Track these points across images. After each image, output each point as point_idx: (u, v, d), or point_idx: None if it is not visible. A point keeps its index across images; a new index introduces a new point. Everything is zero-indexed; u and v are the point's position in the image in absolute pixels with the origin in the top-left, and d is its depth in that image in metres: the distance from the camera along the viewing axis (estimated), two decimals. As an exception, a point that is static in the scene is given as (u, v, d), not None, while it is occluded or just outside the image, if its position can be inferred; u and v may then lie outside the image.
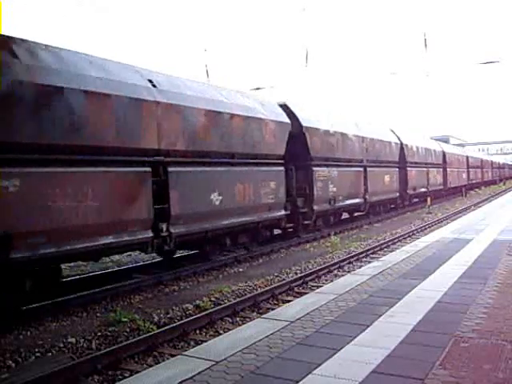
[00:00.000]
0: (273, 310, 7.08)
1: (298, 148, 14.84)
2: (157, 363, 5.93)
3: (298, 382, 3.67)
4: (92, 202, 8.09)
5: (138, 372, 5.05)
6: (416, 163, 26.70)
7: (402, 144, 24.68)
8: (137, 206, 8.95)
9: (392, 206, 24.52)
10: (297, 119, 14.90)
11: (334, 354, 4.20)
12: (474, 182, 44.99)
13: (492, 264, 7.86)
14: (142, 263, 12.39)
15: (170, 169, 9.75)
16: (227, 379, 3.77)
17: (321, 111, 18.06)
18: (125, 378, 5.52)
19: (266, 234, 13.71)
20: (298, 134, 14.70)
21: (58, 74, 7.79)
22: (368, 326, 4.92)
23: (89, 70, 8.52)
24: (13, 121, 7.05)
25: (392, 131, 25.00)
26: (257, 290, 9.56)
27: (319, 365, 3.97)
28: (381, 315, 5.29)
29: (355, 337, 4.62)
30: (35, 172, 7.36)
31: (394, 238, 15.87)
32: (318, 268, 11.30)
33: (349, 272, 10.11)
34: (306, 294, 7.73)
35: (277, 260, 12.92)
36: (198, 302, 8.59)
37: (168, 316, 7.95)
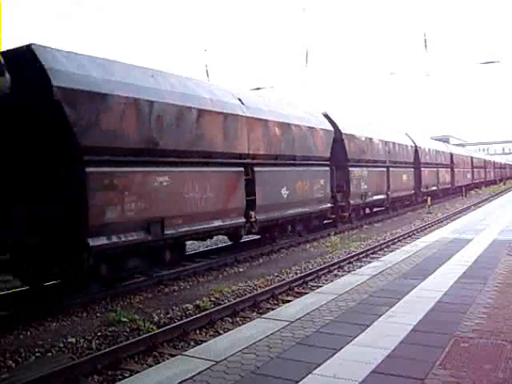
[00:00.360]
0: (273, 310, 7.08)
1: (338, 151, 17.45)
2: (157, 363, 5.93)
3: (297, 382, 3.67)
4: (210, 194, 10.76)
5: (138, 372, 5.05)
6: (428, 164, 29.32)
7: (416, 147, 27.32)
8: (235, 197, 11.73)
9: (408, 202, 27.04)
10: (337, 127, 17.68)
11: (334, 354, 4.20)
12: (477, 181, 47.75)
13: (492, 264, 7.86)
14: (215, 247, 14.92)
15: (256, 169, 12.54)
16: (227, 379, 3.77)
17: (352, 119, 21.23)
18: (125, 377, 5.51)
19: (315, 223, 16.55)
20: (338, 140, 17.45)
21: (188, 97, 10.46)
22: (368, 326, 4.92)
23: (202, 92, 11.10)
24: (164, 134, 9.58)
25: (407, 135, 27.85)
26: (257, 290, 9.56)
27: (319, 365, 3.97)
28: (381, 315, 5.29)
29: (355, 337, 4.62)
30: (177, 171, 9.89)
31: (394, 238, 15.87)
32: (317, 268, 11.30)
33: (349, 272, 10.12)
34: (306, 294, 7.72)
35: (277, 260, 12.93)
36: (197, 301, 8.59)
37: (168, 316, 7.95)
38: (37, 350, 6.54)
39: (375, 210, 23.27)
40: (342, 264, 11.91)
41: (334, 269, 11.50)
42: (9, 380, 5.58)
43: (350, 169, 18.37)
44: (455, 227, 13.77)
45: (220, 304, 8.53)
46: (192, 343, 6.82)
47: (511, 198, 27.84)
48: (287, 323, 5.14)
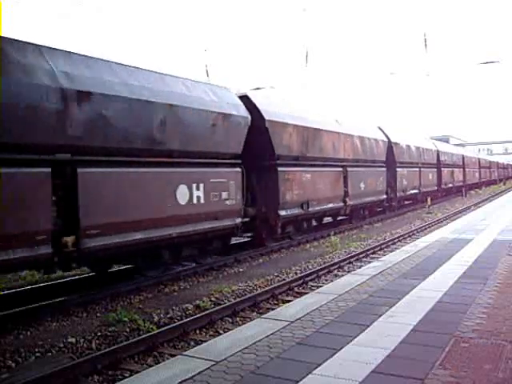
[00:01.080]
0: (273, 310, 7.07)
1: (389, 156, 23.11)
2: (157, 363, 5.93)
3: (297, 382, 3.67)
4: (327, 186, 16.45)
5: (138, 372, 5.05)
6: (446, 165, 35.08)
7: (438, 151, 32.98)
8: (338, 188, 17.50)
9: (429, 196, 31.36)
10: (388, 137, 23.32)
11: (334, 353, 4.20)
12: (483, 180, 53.40)
13: (492, 264, 7.86)
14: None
15: (349, 169, 18.31)
16: (227, 379, 3.77)
17: (396, 129, 27.16)
18: (125, 377, 5.51)
19: (376, 210, 22.97)
20: (388, 147, 23.06)
21: (323, 123, 16.88)
22: (368, 326, 4.92)
23: (331, 119, 17.87)
24: (308, 147, 15.59)
25: (432, 141, 34.32)
26: (257, 289, 9.56)
27: (319, 365, 3.97)
28: (381, 315, 5.29)
29: (355, 337, 4.62)
30: (314, 170, 15.59)
31: (394, 238, 15.87)
32: (317, 268, 11.30)
33: (349, 272, 10.12)
34: (306, 294, 7.72)
35: (277, 260, 12.92)
36: (197, 301, 8.59)
37: (168, 316, 7.95)
38: (37, 350, 6.54)
39: (407, 202, 28.60)
40: (341, 264, 11.91)
41: (334, 269, 11.50)
42: (9, 380, 5.58)
43: (398, 169, 24.09)
44: (455, 227, 13.77)
45: (220, 304, 8.53)
46: (192, 343, 6.82)
47: (511, 198, 27.83)
48: (287, 323, 5.14)
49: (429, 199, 26.88)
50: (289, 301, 7.98)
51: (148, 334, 6.79)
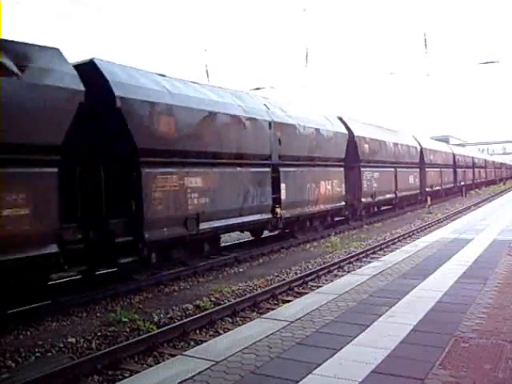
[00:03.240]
0: (273, 309, 7.07)
1: (420, 159, 28.11)
2: (157, 363, 5.93)
3: (297, 382, 3.67)
4: (385, 182, 22.12)
5: (138, 372, 5.06)
6: (461, 166, 39.77)
7: (454, 154, 37.62)
8: (391, 184, 22.93)
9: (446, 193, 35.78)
10: (420, 144, 28.60)
11: (334, 353, 4.20)
12: (489, 179, 57.32)
13: (492, 264, 7.86)
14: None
15: (398, 170, 23.84)
16: (227, 379, 3.77)
17: (424, 137, 33.02)
18: (125, 377, 5.51)
19: (412, 202, 27.48)
20: (420, 152, 28.08)
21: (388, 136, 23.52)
22: (368, 326, 4.92)
23: (377, 129, 22.92)
24: (376, 154, 21.70)
25: (448, 146, 40.16)
26: (257, 290, 9.56)
27: (319, 365, 3.97)
28: (381, 315, 5.29)
29: (355, 337, 4.62)
30: (380, 170, 21.41)
31: (394, 238, 15.87)
32: (318, 268, 11.30)
33: (349, 272, 10.12)
34: (306, 294, 7.72)
35: (277, 260, 12.92)
36: (197, 302, 8.59)
37: (168, 316, 7.95)
38: (37, 350, 6.54)
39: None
40: (341, 264, 11.91)
41: (334, 269, 11.50)
42: (9, 380, 5.58)
43: (427, 169, 29.12)
44: (455, 227, 13.77)
45: (220, 304, 8.53)
46: (192, 343, 6.82)
47: (511, 198, 27.83)
48: (287, 323, 5.14)
49: (429, 199, 26.83)
50: (289, 301, 7.98)
51: (148, 334, 6.79)
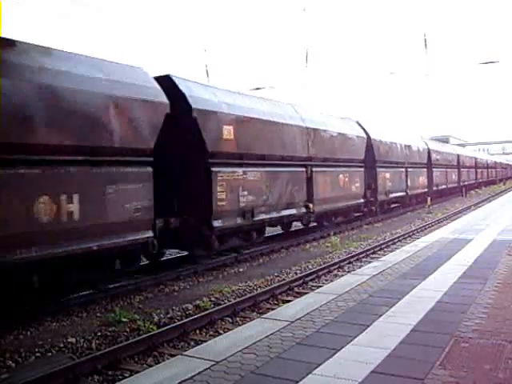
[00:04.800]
0: (273, 309, 7.07)
1: (428, 160, 29.44)
2: (157, 363, 5.93)
3: (297, 382, 3.67)
4: (398, 181, 23.57)
5: (137, 372, 5.06)
6: (464, 166, 41.29)
7: (458, 155, 38.80)
8: (402, 183, 24.42)
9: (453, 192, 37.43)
10: (428, 146, 30.08)
11: (334, 354, 4.20)
12: (491, 178, 60.01)
13: (492, 264, 7.86)
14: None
15: (409, 169, 25.03)
16: (227, 379, 3.77)
17: (431, 141, 33.85)
18: (125, 377, 5.51)
19: (419, 200, 27.82)
20: (428, 153, 29.43)
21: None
22: (368, 326, 4.92)
23: (388, 133, 24.34)
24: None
25: (452, 147, 41.32)
26: (257, 290, 9.56)
27: (319, 365, 3.97)
28: (381, 315, 5.29)
29: (355, 337, 4.62)
30: (391, 171, 23.00)
31: (394, 238, 15.87)
32: (317, 268, 11.30)
33: (349, 272, 10.11)
34: (306, 293, 7.73)
35: (277, 260, 12.92)
36: (197, 301, 8.59)
37: (168, 316, 7.94)
38: (37, 350, 6.54)
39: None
40: (342, 264, 11.91)
41: (334, 269, 11.50)
42: (9, 380, 5.58)
43: (434, 169, 30.18)
44: (455, 227, 13.77)
45: (220, 304, 8.53)
46: (192, 343, 6.82)
47: (511, 198, 27.84)
48: (287, 323, 5.14)
49: (429, 199, 26.85)
50: (289, 301, 7.98)
51: (148, 334, 6.79)
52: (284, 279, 10.38)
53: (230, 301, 8.71)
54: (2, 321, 7.24)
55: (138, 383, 4.01)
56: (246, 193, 12.00)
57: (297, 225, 16.83)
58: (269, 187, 12.99)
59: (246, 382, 3.72)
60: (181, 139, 10.49)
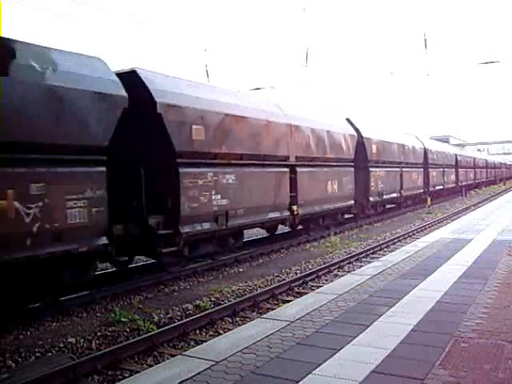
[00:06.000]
0: (273, 310, 7.07)
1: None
2: (157, 363, 5.93)
3: (297, 382, 3.67)
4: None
5: (137, 372, 5.05)
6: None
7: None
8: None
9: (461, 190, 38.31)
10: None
11: (334, 354, 4.20)
12: (490, 179, 60.92)
13: (492, 264, 7.86)
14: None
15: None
16: (227, 379, 3.76)
17: (428, 140, 33.25)
18: (125, 377, 5.52)
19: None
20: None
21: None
22: (368, 326, 4.92)
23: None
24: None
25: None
26: (257, 290, 9.56)
27: (319, 365, 3.96)
28: (381, 315, 5.29)
29: (355, 337, 4.62)
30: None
31: (394, 238, 15.87)
32: (317, 268, 11.30)
33: (349, 272, 10.11)
34: (305, 293, 7.73)
35: (277, 260, 12.92)
36: (197, 301, 8.59)
37: (168, 316, 7.95)
38: (37, 350, 6.54)
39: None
40: (341, 264, 11.91)
41: (334, 269, 11.50)
42: (9, 380, 5.58)
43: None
44: (455, 227, 13.77)
45: (220, 304, 8.53)
46: (192, 343, 6.82)
47: (511, 198, 27.83)
48: (287, 323, 5.14)
49: (429, 199, 26.84)
50: (289, 301, 7.98)
51: (148, 334, 6.79)
52: (284, 279, 10.38)
53: (229, 301, 8.71)
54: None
55: (137, 383, 4.00)
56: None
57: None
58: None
59: (246, 382, 3.72)
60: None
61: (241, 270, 11.69)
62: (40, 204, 7.24)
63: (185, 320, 7.51)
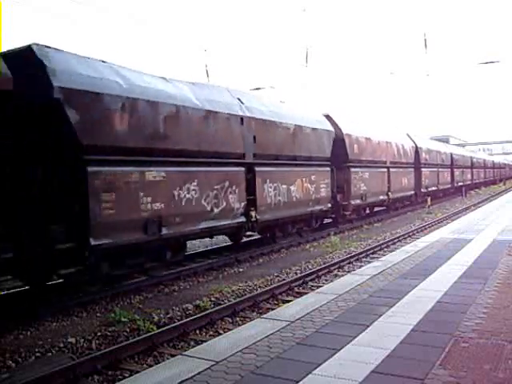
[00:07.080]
0: (273, 310, 7.07)
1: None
2: (157, 363, 5.93)
3: (297, 382, 3.67)
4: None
5: (137, 372, 5.05)
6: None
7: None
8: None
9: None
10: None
11: (334, 354, 4.20)
12: (488, 179, 60.68)
13: (492, 264, 7.85)
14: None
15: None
16: (227, 379, 3.76)
17: (420, 136, 32.58)
18: (125, 378, 5.52)
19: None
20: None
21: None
22: (368, 326, 4.92)
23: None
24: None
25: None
26: (257, 290, 9.56)
27: (319, 365, 3.96)
28: (381, 315, 5.29)
29: (355, 337, 4.62)
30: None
31: (394, 238, 15.87)
32: (317, 268, 11.30)
33: (349, 272, 10.11)
34: (305, 294, 7.72)
35: (277, 260, 12.92)
36: (197, 301, 8.59)
37: (168, 316, 7.95)
38: (37, 350, 6.54)
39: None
40: (342, 264, 11.91)
41: (334, 269, 11.50)
42: (9, 380, 5.58)
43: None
44: (455, 227, 13.76)
45: (220, 304, 8.53)
46: (192, 343, 6.82)
47: (511, 198, 27.83)
48: (287, 323, 5.14)
49: (429, 199, 26.83)
50: (289, 301, 7.98)
51: (148, 334, 6.79)
52: (284, 279, 10.38)
53: (229, 301, 8.71)
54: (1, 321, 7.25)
55: (137, 383, 4.00)
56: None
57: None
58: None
59: (246, 382, 3.72)
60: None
61: (241, 269, 11.70)
62: None
63: (185, 320, 7.51)
